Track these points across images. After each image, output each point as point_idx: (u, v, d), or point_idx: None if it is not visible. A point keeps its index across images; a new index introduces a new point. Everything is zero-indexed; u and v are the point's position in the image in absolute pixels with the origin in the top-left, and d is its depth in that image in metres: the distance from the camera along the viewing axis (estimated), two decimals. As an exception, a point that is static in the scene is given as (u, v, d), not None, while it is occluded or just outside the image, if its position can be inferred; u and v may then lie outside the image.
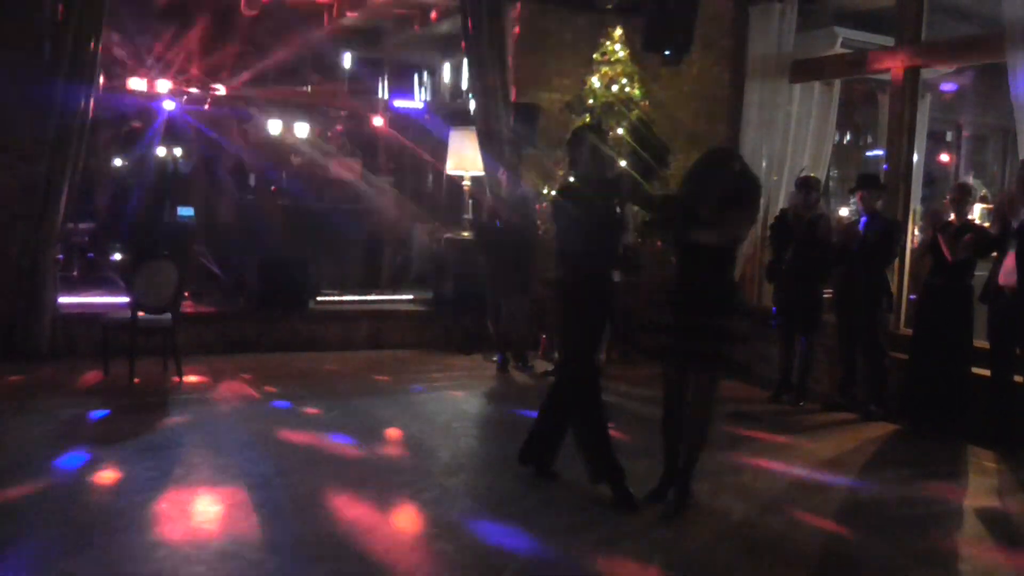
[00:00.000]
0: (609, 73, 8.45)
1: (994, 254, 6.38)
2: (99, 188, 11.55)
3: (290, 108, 12.95)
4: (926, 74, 8.05)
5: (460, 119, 10.24)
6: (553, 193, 6.69)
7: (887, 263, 7.07)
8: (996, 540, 4.67)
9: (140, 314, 6.82)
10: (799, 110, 8.60)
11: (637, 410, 6.65)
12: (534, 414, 5.21)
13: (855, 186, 7.18)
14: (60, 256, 7.78)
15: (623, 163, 7.46)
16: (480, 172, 8.89)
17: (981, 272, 6.60)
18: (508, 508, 4.68)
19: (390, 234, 11.36)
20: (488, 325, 8.41)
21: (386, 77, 14.52)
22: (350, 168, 12.82)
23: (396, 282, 10.74)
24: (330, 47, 13.06)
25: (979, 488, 5.48)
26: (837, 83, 8.89)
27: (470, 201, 9.40)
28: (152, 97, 11.59)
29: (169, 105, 11.79)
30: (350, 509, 4.56)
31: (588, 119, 8.00)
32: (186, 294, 7.74)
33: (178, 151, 12.73)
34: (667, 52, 7.56)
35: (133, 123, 12.26)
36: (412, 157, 13.74)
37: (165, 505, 4.46)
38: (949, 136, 13.56)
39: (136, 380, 6.82)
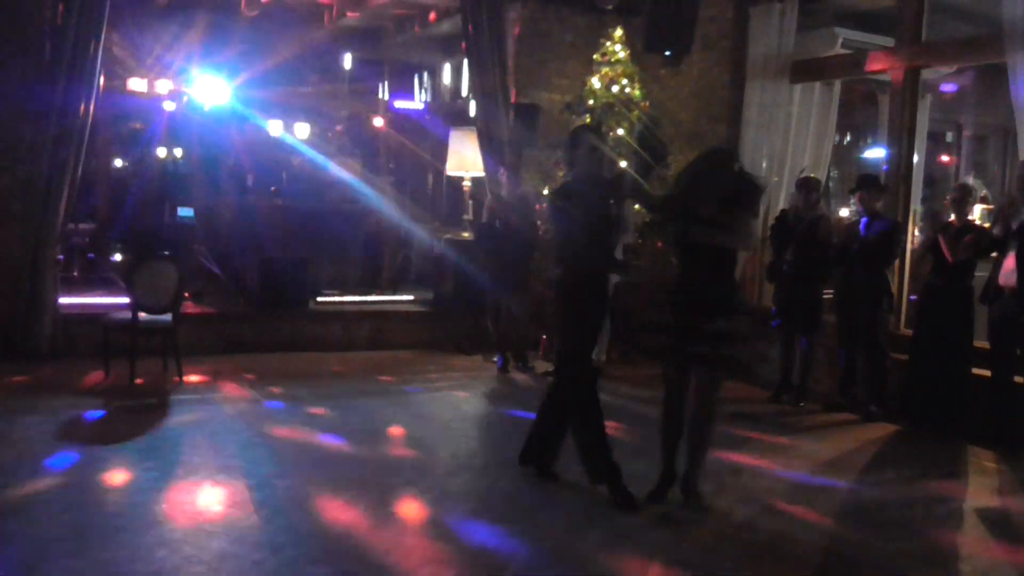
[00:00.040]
0: (609, 74, 8.46)
1: (994, 255, 6.38)
2: (99, 188, 11.55)
3: (290, 108, 12.95)
4: (926, 74, 8.04)
5: (460, 120, 10.25)
6: (551, 193, 6.69)
7: (887, 264, 7.06)
8: (996, 540, 4.68)
9: (141, 314, 6.82)
10: (799, 111, 8.59)
11: (637, 410, 6.65)
12: (534, 415, 5.21)
13: (855, 187, 7.19)
14: (60, 256, 7.78)
15: (623, 163, 7.46)
16: (480, 173, 8.90)
17: (981, 273, 6.59)
18: (509, 508, 4.68)
19: (390, 234, 11.35)
20: (488, 325, 8.42)
21: (386, 78, 14.53)
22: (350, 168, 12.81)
23: (396, 282, 10.74)
24: (330, 47, 13.06)
25: (979, 488, 5.48)
26: (837, 83, 8.89)
27: (470, 202, 9.40)
28: (152, 97, 11.60)
29: (169, 105, 11.79)
30: (350, 509, 4.55)
31: (588, 120, 8.01)
32: (186, 294, 7.73)
33: (178, 151, 12.74)
34: (667, 53, 7.54)
35: (133, 123, 12.27)
36: (412, 158, 13.75)
37: (165, 505, 4.46)
38: (949, 136, 13.51)
39: (137, 380, 6.82)
